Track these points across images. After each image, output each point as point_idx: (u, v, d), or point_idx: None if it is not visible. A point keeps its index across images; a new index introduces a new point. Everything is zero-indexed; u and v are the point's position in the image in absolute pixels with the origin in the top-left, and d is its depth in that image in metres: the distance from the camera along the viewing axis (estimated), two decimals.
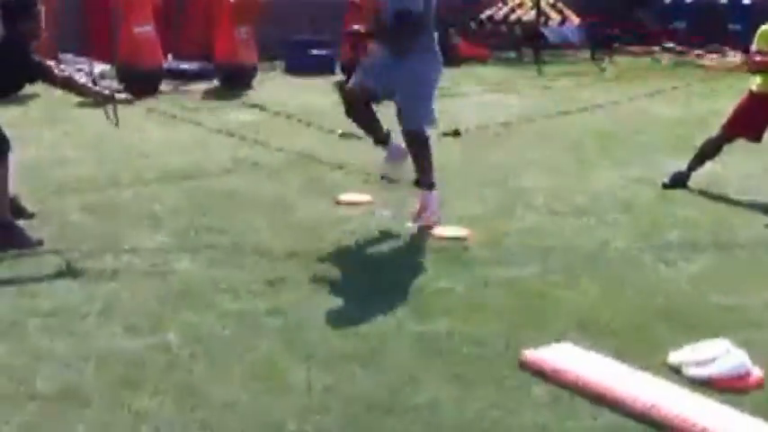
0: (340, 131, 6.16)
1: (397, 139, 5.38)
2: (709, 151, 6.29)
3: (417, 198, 5.25)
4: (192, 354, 3.47)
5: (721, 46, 13.61)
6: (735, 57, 13.19)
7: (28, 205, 5.15)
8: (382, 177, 5.50)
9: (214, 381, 3.26)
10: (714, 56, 13.38)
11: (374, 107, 5.31)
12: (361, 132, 5.56)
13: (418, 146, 5.18)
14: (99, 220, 5.18)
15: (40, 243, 4.53)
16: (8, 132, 7.62)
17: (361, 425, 2.99)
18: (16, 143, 6.83)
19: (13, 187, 4.86)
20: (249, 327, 3.74)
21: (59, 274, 4.21)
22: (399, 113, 5.16)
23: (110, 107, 4.77)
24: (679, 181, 6.26)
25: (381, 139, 5.38)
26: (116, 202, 5.51)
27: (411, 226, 5.13)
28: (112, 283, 4.16)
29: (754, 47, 6.08)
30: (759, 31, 6.06)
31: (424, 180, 5.22)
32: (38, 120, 7.81)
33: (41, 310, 3.87)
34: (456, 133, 6.12)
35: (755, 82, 6.13)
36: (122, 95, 5.07)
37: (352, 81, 5.31)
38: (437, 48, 5.26)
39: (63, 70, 5.03)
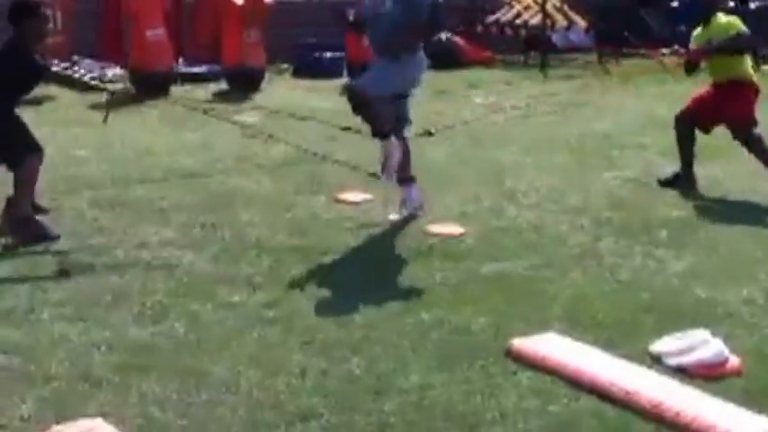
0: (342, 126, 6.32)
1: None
2: (685, 138, 6.52)
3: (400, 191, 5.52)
4: (197, 340, 3.69)
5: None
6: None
7: (42, 202, 5.35)
8: (388, 177, 5.65)
9: (216, 365, 3.46)
10: None
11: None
12: (361, 127, 5.75)
13: (356, 102, 5.33)
14: (110, 216, 5.39)
15: (57, 236, 4.72)
16: None
17: (354, 406, 3.18)
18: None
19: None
20: (249, 316, 3.94)
21: (72, 267, 4.41)
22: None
23: (109, 103, 5.10)
24: (678, 181, 6.42)
25: (382, 132, 5.55)
26: (126, 199, 5.72)
27: (394, 218, 5.41)
28: (122, 275, 4.37)
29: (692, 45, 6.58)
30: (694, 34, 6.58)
31: (373, 131, 5.42)
32: (51, 120, 8.01)
33: (55, 300, 4.09)
34: (429, 133, 6.31)
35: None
36: (114, 86, 5.41)
37: (361, 81, 5.51)
38: (419, 53, 5.48)
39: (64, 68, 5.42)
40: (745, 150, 7.09)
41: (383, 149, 5.40)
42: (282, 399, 3.21)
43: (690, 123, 6.55)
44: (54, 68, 5.16)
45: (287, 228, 5.21)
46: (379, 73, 5.37)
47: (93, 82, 5.39)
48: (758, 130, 6.38)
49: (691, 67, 6.63)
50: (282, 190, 5.96)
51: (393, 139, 5.39)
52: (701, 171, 6.64)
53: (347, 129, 6.39)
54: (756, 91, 6.45)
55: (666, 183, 6.46)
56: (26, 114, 8.28)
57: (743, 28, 6.38)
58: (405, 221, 5.40)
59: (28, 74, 4.98)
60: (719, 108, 6.41)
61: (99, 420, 2.97)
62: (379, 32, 5.39)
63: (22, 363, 3.48)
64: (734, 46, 6.31)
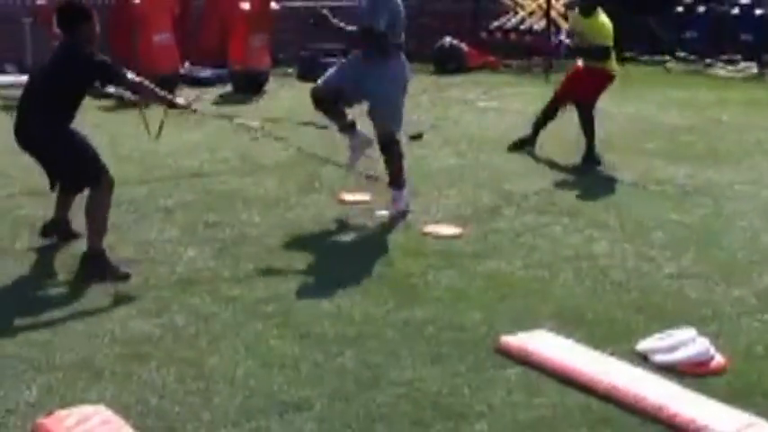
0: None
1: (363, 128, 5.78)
2: (544, 118, 7.46)
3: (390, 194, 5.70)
4: (196, 332, 3.81)
5: (733, 56, 13.77)
6: (748, 67, 13.39)
7: (50, 200, 5.45)
8: (351, 168, 5.86)
9: (214, 356, 3.58)
10: (730, 66, 13.55)
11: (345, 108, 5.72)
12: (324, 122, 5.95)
13: (389, 149, 5.60)
14: (115, 213, 5.45)
15: (127, 276, 4.34)
16: None
17: (346, 396, 3.29)
18: None
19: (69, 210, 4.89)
20: (247, 310, 4.06)
21: (78, 262, 4.52)
22: (372, 119, 5.58)
23: (145, 116, 4.84)
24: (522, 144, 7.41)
25: (345, 126, 5.75)
26: (131, 198, 5.82)
27: (382, 213, 5.58)
28: (126, 270, 4.47)
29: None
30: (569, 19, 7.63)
31: (396, 181, 5.63)
32: None
33: (61, 294, 4.24)
34: (419, 136, 6.46)
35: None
36: (184, 101, 5.08)
37: (319, 82, 5.69)
38: (404, 57, 5.62)
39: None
40: (750, 156, 7.43)
41: (392, 197, 5.64)
42: (276, 389, 3.32)
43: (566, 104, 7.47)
44: (130, 76, 4.61)
45: (287, 226, 5.32)
46: (335, 69, 5.60)
47: (180, 99, 4.97)
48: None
49: None
50: (284, 190, 6.08)
51: (357, 131, 5.67)
52: (705, 175, 6.74)
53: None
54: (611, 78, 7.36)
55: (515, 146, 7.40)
56: None
57: (605, 41, 7.17)
58: (402, 222, 5.50)
59: (101, 74, 4.61)
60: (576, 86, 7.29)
61: (100, 406, 3.09)
62: (359, 39, 5.57)
63: (30, 352, 3.61)
64: (598, 56, 7.19)
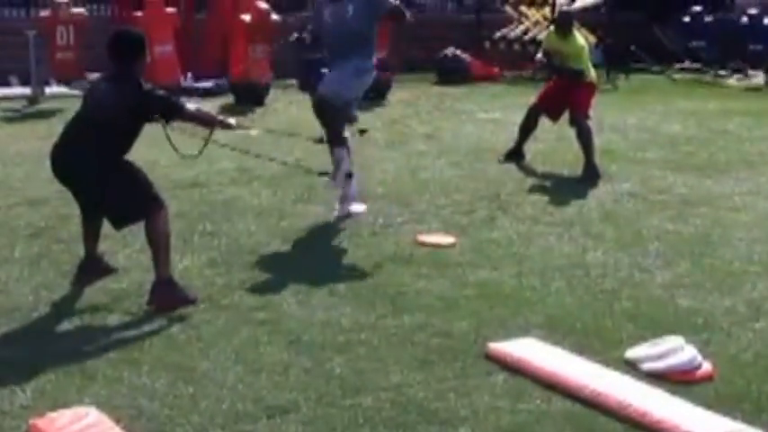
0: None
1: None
2: (525, 131, 7.53)
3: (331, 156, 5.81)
4: (187, 339, 3.86)
5: (740, 65, 13.79)
6: (755, 77, 13.41)
7: (48, 210, 5.52)
8: (331, 182, 5.90)
9: (204, 361, 3.64)
10: (737, 76, 13.57)
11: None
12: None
13: (320, 106, 5.71)
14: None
15: (195, 300, 4.24)
16: (36, 144, 7.98)
17: (333, 401, 3.33)
18: (43, 154, 7.30)
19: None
20: (239, 317, 4.11)
21: (74, 270, 4.57)
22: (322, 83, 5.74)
23: (208, 140, 4.68)
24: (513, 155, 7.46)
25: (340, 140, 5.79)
26: None
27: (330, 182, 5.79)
28: (122, 278, 4.55)
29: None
30: (545, 37, 7.71)
31: (334, 139, 5.74)
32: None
33: (58, 300, 4.30)
34: (363, 132, 6.52)
35: None
36: (235, 122, 4.92)
37: (322, 87, 5.80)
38: (371, 64, 5.80)
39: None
40: (751, 167, 7.50)
41: (336, 155, 5.73)
42: (264, 393, 3.37)
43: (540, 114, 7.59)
44: (189, 107, 4.48)
45: (282, 236, 5.37)
46: (342, 78, 5.67)
47: (230, 120, 4.78)
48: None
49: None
50: (279, 200, 6.13)
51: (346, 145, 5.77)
52: (705, 186, 6.75)
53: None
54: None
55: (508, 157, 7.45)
56: (38, 128, 8.63)
57: (583, 64, 7.29)
58: (397, 231, 5.53)
59: (162, 111, 4.38)
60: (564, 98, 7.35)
61: (92, 408, 3.15)
62: (344, 43, 5.64)
63: (23, 356, 3.68)
64: (576, 78, 7.27)
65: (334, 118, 5.72)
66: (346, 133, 5.83)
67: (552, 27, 7.63)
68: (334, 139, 5.74)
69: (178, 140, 4.79)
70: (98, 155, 4.23)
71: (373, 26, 5.71)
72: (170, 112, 4.42)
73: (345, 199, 5.78)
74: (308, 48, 6.20)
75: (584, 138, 7.19)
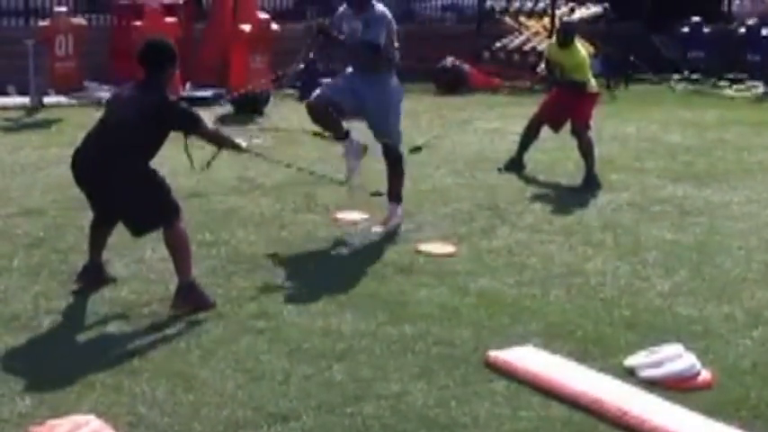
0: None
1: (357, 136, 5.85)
2: (526, 139, 7.57)
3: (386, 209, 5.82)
4: (187, 347, 3.87)
5: (739, 75, 13.85)
6: (754, 87, 13.45)
7: (48, 219, 5.53)
8: (349, 179, 5.91)
9: (204, 369, 3.65)
10: (736, 86, 13.62)
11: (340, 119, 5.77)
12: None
13: (397, 164, 5.77)
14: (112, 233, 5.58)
15: (214, 305, 4.28)
16: (34, 154, 7.99)
17: (334, 409, 3.34)
18: (41, 164, 7.35)
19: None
20: (239, 326, 4.12)
21: (73, 280, 4.58)
22: (378, 137, 5.73)
23: (216, 156, 4.77)
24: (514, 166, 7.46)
25: (341, 135, 5.80)
26: None
27: (378, 230, 5.69)
28: (121, 288, 4.55)
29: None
30: (546, 48, 7.67)
31: (396, 196, 5.77)
32: (59, 142, 8.22)
33: (57, 309, 4.30)
34: (419, 149, 6.55)
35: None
36: (245, 144, 4.98)
37: (315, 95, 5.76)
38: (395, 75, 5.78)
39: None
40: (750, 176, 7.51)
41: (389, 211, 5.78)
42: (265, 401, 3.38)
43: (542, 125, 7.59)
44: (207, 126, 4.55)
45: (282, 245, 5.38)
46: (331, 84, 5.73)
47: (243, 143, 4.85)
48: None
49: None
50: (280, 209, 6.14)
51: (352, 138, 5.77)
52: (704, 195, 6.77)
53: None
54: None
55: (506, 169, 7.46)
56: (34, 137, 8.65)
57: (584, 76, 7.33)
58: (396, 240, 5.56)
59: (181, 124, 4.42)
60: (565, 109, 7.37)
61: (91, 416, 3.15)
62: (358, 60, 5.66)
63: (23, 364, 3.69)
64: (578, 89, 7.30)
65: (402, 170, 5.79)
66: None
67: (554, 38, 7.61)
68: (396, 196, 5.80)
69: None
70: (122, 161, 4.28)
71: (389, 45, 5.59)
72: (190, 126, 4.47)
73: (350, 156, 5.76)
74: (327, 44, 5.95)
75: (585, 148, 7.22)
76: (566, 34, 7.36)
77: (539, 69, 7.86)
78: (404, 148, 5.96)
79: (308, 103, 5.77)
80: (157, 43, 4.57)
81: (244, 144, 4.95)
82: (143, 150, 4.36)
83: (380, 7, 5.66)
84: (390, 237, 5.61)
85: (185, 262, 4.31)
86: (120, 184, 4.29)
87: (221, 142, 4.75)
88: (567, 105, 7.31)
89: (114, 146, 4.29)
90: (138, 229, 4.44)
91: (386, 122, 5.69)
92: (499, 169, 7.48)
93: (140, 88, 4.43)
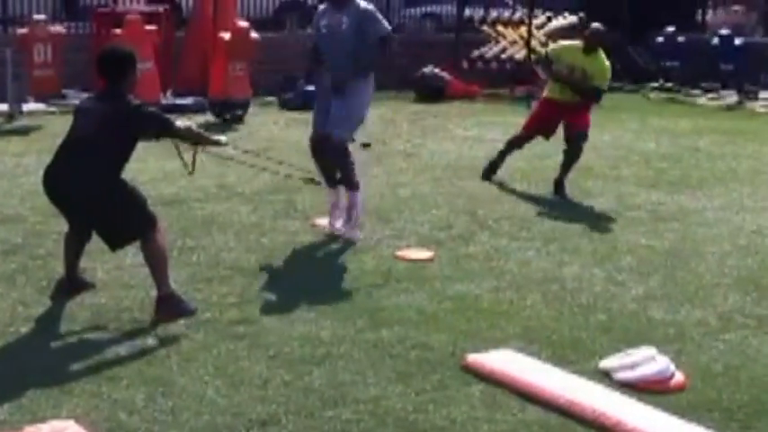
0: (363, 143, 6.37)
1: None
2: (510, 148, 7.54)
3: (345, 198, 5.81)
4: (166, 353, 3.88)
5: (713, 84, 14.04)
6: (728, 96, 13.63)
7: (28, 225, 5.52)
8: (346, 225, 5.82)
9: (184, 376, 3.66)
10: (709, 95, 13.79)
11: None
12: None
13: (340, 155, 5.70)
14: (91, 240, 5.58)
15: (194, 312, 4.28)
16: (12, 161, 7.97)
17: (312, 414, 3.37)
18: (19, 171, 7.33)
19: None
20: (219, 332, 4.14)
21: (53, 287, 4.58)
22: (329, 121, 5.65)
23: (188, 154, 4.68)
24: (490, 171, 7.49)
25: (333, 183, 5.87)
26: None
27: (341, 228, 5.71)
28: (100, 294, 4.56)
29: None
30: (560, 48, 7.49)
31: (347, 182, 5.75)
32: (39, 150, 8.21)
33: (35, 316, 4.30)
34: (367, 145, 6.52)
35: (549, 89, 7.41)
36: (224, 139, 4.99)
37: (312, 132, 5.84)
38: (370, 77, 5.79)
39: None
40: (722, 183, 7.55)
41: (349, 200, 5.73)
42: (244, 407, 3.40)
43: (532, 138, 7.49)
44: (179, 124, 4.48)
45: (261, 251, 5.41)
46: (349, 113, 5.63)
47: (222, 138, 4.83)
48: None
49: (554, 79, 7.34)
50: (260, 216, 6.17)
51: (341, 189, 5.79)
52: (678, 201, 6.86)
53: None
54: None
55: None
56: (13, 145, 8.62)
57: (606, 84, 7.25)
58: (376, 246, 5.58)
59: (152, 128, 4.38)
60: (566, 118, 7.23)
61: (70, 422, 3.16)
62: (340, 54, 5.64)
63: (2, 371, 3.68)
64: (593, 96, 7.22)
65: (346, 161, 5.70)
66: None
67: (576, 42, 7.38)
68: (349, 183, 5.73)
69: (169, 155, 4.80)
70: (93, 175, 4.20)
71: (364, 47, 5.62)
72: (161, 128, 4.41)
73: (351, 207, 5.76)
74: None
75: (572, 157, 7.20)
76: (594, 40, 7.15)
77: (539, 72, 7.89)
78: (354, 145, 5.88)
79: (311, 143, 5.82)
80: (116, 51, 4.53)
81: (223, 139, 4.94)
82: (111, 162, 4.27)
83: (363, 3, 5.74)
84: (370, 243, 5.64)
85: (163, 273, 4.26)
86: (91, 199, 4.23)
87: (199, 139, 4.69)
88: (563, 113, 7.21)
89: (82, 160, 4.21)
90: (115, 243, 4.39)
91: (342, 113, 5.61)
92: (483, 176, 7.46)
93: (102, 98, 4.36)
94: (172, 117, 4.55)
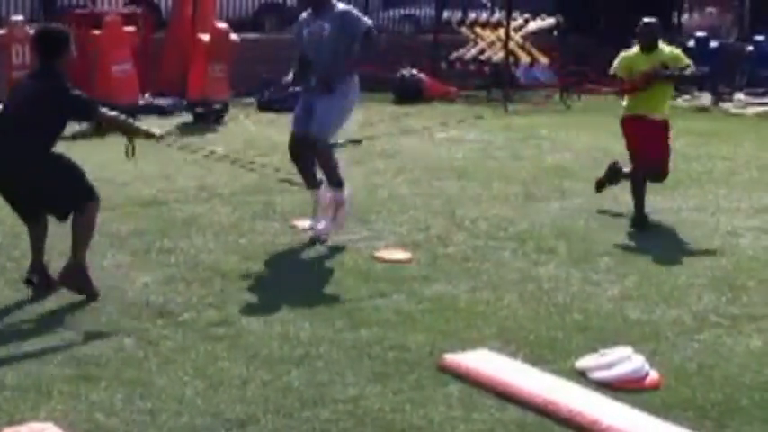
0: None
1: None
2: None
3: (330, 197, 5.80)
4: (145, 355, 3.88)
5: (688, 87, 14.17)
6: (702, 98, 13.76)
7: (6, 227, 5.49)
8: (318, 234, 5.78)
9: (162, 377, 3.66)
10: (685, 97, 13.92)
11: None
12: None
13: (321, 152, 5.71)
14: (68, 240, 5.55)
15: (96, 295, 4.42)
16: None
17: (291, 413, 3.39)
18: None
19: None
20: (198, 333, 4.15)
21: (30, 288, 4.58)
22: (311, 122, 5.68)
23: (131, 144, 4.72)
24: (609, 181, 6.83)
25: (313, 185, 5.90)
26: None
27: (327, 227, 5.71)
28: (78, 295, 4.53)
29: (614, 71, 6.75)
30: (622, 62, 6.66)
31: (330, 180, 5.77)
32: None
33: (15, 319, 4.29)
34: (357, 142, 6.55)
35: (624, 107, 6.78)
36: (159, 132, 5.06)
37: (290, 135, 5.87)
38: (354, 78, 5.84)
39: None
40: (698, 185, 7.49)
41: (334, 198, 5.74)
42: (223, 407, 3.41)
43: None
44: (104, 112, 4.57)
45: (240, 252, 5.41)
46: (332, 113, 5.67)
47: (155, 131, 4.90)
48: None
49: (645, 87, 6.53)
50: (239, 217, 6.17)
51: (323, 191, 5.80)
52: (654, 202, 6.92)
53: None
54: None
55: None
56: None
57: (688, 61, 6.71)
58: (355, 247, 5.60)
59: (76, 111, 4.51)
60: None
61: (48, 424, 3.16)
62: (323, 59, 5.68)
63: None
64: (692, 77, 6.74)
65: (329, 160, 5.72)
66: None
67: (633, 49, 6.65)
68: (334, 182, 5.75)
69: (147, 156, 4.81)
70: (26, 149, 4.33)
71: (351, 47, 5.69)
72: (85, 113, 4.57)
73: (319, 208, 5.79)
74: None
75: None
76: (648, 36, 6.46)
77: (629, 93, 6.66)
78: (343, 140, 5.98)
79: (290, 145, 5.85)
80: (51, 30, 4.59)
81: (158, 132, 4.96)
82: (43, 138, 4.37)
83: (342, 5, 5.82)
84: (348, 244, 5.66)
85: (85, 246, 4.43)
86: (29, 172, 4.35)
87: (129, 131, 4.76)
88: (655, 136, 6.49)
89: (16, 137, 4.35)
90: (61, 213, 4.51)
91: (326, 113, 5.64)
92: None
93: (36, 77, 4.49)
94: (99, 107, 4.61)
